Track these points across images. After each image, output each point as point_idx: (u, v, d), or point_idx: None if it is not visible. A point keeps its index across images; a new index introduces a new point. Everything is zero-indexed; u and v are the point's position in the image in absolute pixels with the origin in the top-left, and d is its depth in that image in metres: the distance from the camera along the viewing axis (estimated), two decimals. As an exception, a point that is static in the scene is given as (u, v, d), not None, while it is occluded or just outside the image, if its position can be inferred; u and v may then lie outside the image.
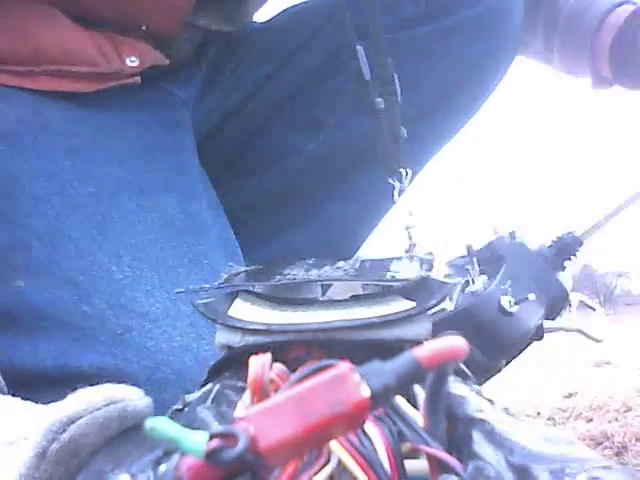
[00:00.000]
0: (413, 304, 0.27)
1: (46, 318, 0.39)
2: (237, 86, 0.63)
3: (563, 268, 0.45)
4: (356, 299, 0.32)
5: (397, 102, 0.47)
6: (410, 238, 0.44)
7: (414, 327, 0.25)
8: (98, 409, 0.19)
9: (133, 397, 0.20)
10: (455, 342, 0.15)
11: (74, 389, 0.20)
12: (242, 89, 0.63)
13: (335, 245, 0.66)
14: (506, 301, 0.38)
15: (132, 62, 0.48)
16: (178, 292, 0.33)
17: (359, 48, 0.46)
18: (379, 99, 0.46)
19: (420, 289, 0.28)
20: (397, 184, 0.46)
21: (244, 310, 0.28)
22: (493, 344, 0.38)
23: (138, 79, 0.49)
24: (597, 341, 0.43)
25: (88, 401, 0.19)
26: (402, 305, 0.27)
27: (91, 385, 0.20)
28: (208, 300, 0.30)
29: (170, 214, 0.45)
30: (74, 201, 0.42)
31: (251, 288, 0.31)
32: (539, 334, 0.42)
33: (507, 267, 0.40)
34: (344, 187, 0.65)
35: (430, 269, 0.31)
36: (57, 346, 0.39)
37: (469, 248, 0.43)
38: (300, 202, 0.65)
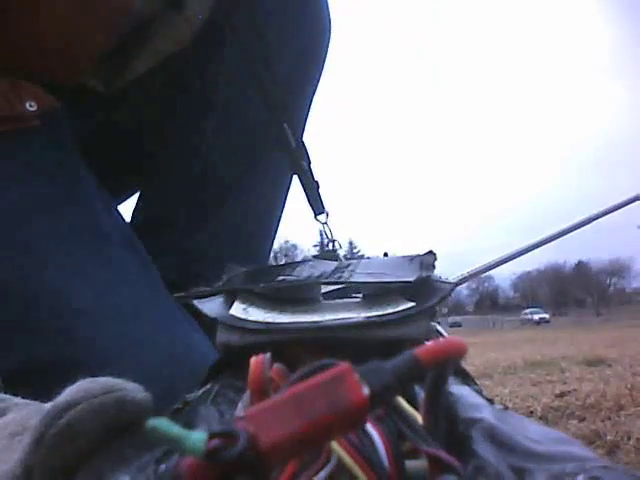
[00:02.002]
0: (413, 304, 0.27)
1: (3, 327, 0.45)
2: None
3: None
4: (356, 299, 0.32)
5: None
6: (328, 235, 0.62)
7: (414, 327, 0.25)
8: (95, 397, 0.19)
9: (131, 389, 0.21)
10: (455, 342, 0.15)
11: (39, 382, 0.21)
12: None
13: (243, 241, 0.71)
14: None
15: (31, 107, 0.52)
16: (177, 296, 0.34)
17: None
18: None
19: (420, 289, 0.28)
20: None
21: (244, 310, 0.28)
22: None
23: (37, 122, 0.53)
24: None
25: (85, 389, 0.20)
26: (402, 305, 0.27)
27: (53, 377, 0.20)
28: (207, 301, 0.30)
29: (75, 224, 0.51)
30: None
31: (253, 289, 0.31)
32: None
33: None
34: (242, 187, 0.70)
35: (430, 270, 0.31)
36: (19, 349, 0.45)
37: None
38: (204, 204, 0.69)
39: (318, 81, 0.74)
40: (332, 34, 0.73)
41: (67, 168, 0.54)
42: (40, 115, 0.53)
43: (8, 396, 0.25)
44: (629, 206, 0.58)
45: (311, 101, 0.74)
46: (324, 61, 0.73)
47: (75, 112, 0.59)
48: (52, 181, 0.52)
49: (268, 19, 0.67)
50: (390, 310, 0.26)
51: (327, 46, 0.73)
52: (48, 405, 0.19)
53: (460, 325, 30.75)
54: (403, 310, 0.26)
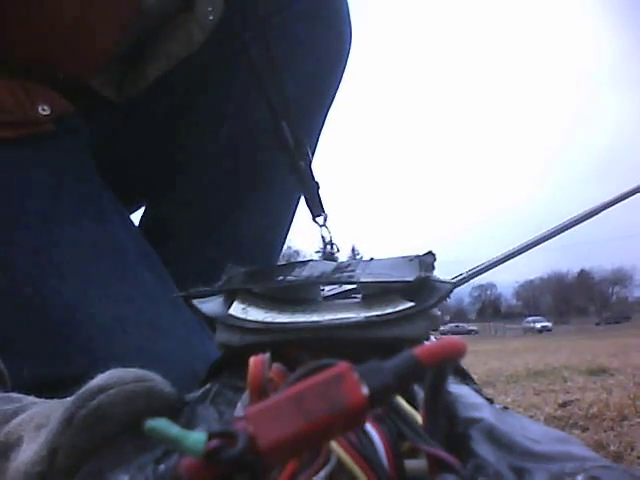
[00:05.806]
0: (412, 304, 0.27)
1: (14, 341, 0.43)
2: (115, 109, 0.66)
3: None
4: (356, 299, 0.32)
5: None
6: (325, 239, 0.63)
7: (413, 326, 0.25)
8: (127, 383, 0.20)
9: (161, 382, 0.21)
10: (454, 341, 0.15)
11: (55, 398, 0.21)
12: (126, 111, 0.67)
13: (252, 250, 0.71)
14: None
15: (44, 111, 0.50)
16: (178, 296, 0.33)
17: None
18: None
19: (419, 289, 0.28)
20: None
21: (243, 309, 0.28)
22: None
23: (52, 127, 0.51)
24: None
25: (118, 376, 0.20)
26: (402, 305, 0.27)
27: (70, 393, 0.21)
28: (207, 300, 0.30)
29: (92, 236, 0.50)
30: (12, 234, 0.46)
31: (252, 289, 0.31)
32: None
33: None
34: (251, 198, 0.70)
35: (429, 270, 0.31)
36: (34, 363, 0.43)
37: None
38: (211, 214, 0.69)
39: (336, 90, 0.73)
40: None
41: (84, 178, 0.53)
42: (54, 120, 0.51)
43: (22, 395, 0.25)
44: (633, 197, 0.56)
45: (328, 108, 0.73)
46: (343, 71, 0.73)
47: (87, 122, 0.58)
48: (70, 192, 0.50)
49: (284, 28, 0.67)
50: (389, 310, 0.26)
51: (347, 56, 0.72)
52: (77, 393, 0.20)
53: (462, 333, 30.60)
54: (402, 310, 0.26)
